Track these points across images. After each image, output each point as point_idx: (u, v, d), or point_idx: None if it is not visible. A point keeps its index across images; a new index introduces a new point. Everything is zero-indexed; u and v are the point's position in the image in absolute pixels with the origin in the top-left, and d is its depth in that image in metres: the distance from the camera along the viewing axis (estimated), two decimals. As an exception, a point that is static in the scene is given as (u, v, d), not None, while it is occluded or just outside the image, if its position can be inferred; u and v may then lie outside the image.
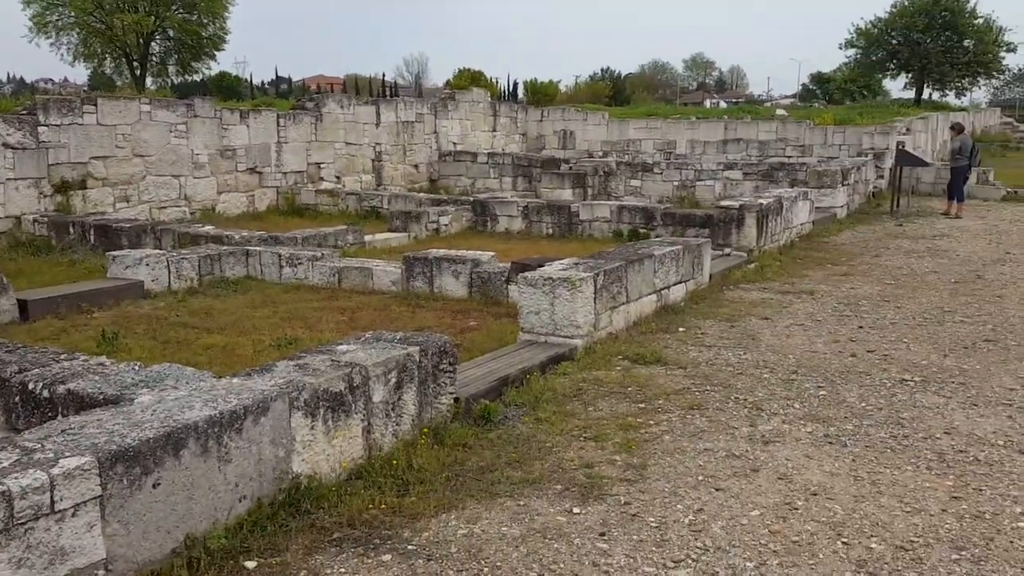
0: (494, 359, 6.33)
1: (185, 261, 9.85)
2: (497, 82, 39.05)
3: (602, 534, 3.90)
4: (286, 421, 3.98)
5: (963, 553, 3.75)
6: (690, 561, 3.66)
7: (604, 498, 4.26)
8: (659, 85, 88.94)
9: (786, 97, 78.33)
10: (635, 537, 3.87)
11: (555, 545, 3.80)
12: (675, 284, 8.54)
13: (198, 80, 44.87)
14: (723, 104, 60.07)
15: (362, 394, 4.42)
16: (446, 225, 14.73)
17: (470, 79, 34.89)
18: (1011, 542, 3.86)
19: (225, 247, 10.67)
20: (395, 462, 4.46)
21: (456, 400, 5.21)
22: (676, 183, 19.57)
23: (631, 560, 3.67)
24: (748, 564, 3.63)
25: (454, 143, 23.71)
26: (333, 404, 4.24)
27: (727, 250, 11.34)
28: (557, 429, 5.17)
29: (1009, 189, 19.37)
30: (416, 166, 22.47)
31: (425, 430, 4.85)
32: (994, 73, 45.82)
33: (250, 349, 7.10)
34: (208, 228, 12.27)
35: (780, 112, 29.67)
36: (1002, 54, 43.31)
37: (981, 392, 6.00)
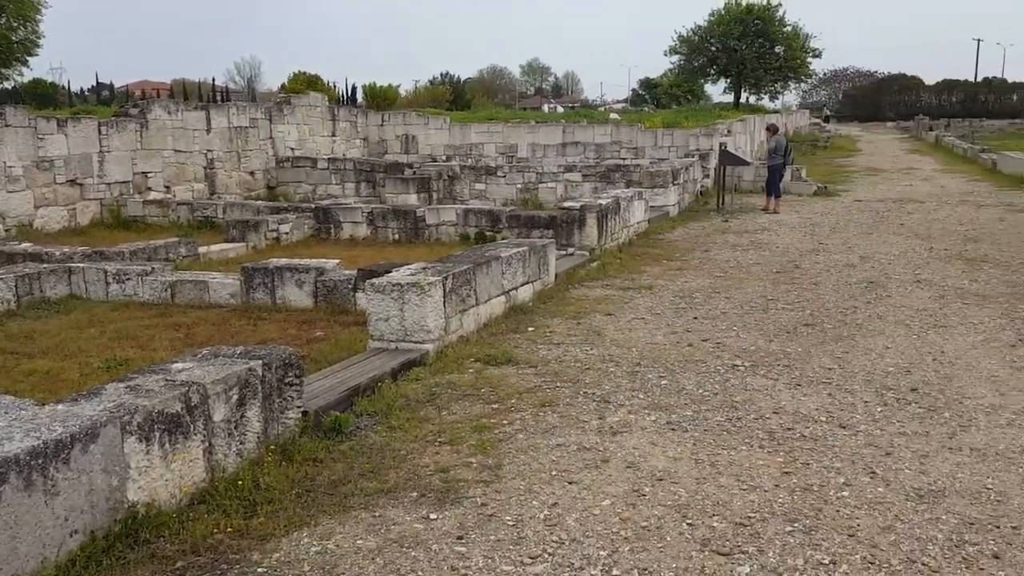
0: (343, 369, 6.19)
1: (0, 282, 9.03)
2: (335, 86, 38.34)
3: (460, 537, 3.89)
4: (118, 447, 3.72)
5: (795, 525, 4.02)
6: (547, 555, 3.72)
7: (461, 501, 4.26)
8: (498, 90, 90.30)
9: (618, 102, 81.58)
10: (492, 537, 3.89)
11: (412, 553, 3.76)
12: (523, 285, 8.67)
13: (9, 88, 41.25)
14: (560, 108, 61.76)
15: (201, 414, 4.20)
16: (287, 233, 14.28)
17: (306, 83, 34.04)
18: (837, 511, 4.17)
19: (45, 265, 9.88)
20: (240, 483, 4.27)
21: (304, 414, 5.05)
22: (519, 186, 19.91)
23: (489, 561, 3.69)
24: (601, 553, 3.74)
25: (292, 149, 23.04)
26: (170, 426, 4.00)
27: (571, 250, 11.64)
28: (411, 436, 5.12)
29: (819, 185, 21.03)
30: (252, 173, 21.66)
31: (272, 447, 4.67)
32: (802, 77, 49.75)
33: (76, 373, 6.60)
34: (25, 245, 11.38)
35: (614, 116, 30.83)
36: (809, 59, 47.15)
37: (803, 373, 6.47)
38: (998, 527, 3.99)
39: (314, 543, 3.86)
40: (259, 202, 17.58)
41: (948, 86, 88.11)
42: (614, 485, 4.45)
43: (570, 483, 4.47)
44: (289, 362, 4.90)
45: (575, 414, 5.55)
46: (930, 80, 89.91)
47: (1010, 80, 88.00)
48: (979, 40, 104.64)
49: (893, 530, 3.96)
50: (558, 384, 6.18)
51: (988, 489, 4.40)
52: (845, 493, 4.37)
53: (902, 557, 3.72)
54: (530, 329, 7.76)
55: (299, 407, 5.00)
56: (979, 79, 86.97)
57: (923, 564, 3.66)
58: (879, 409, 5.64)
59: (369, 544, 3.84)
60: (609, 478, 4.54)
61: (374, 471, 4.60)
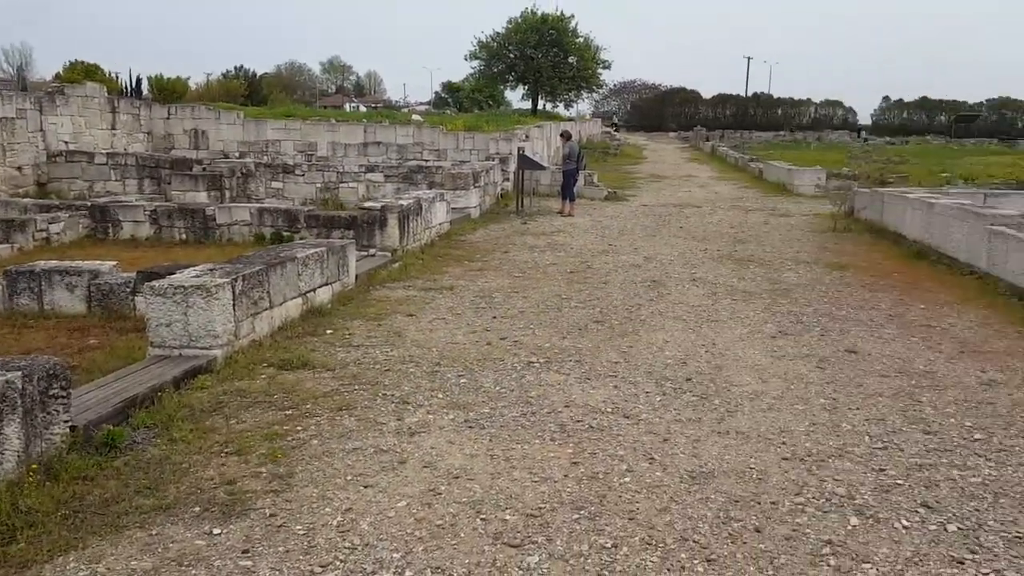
0: (119, 379, 5.74)
1: None
2: (118, 77, 35.61)
3: (245, 551, 3.73)
4: None
5: (582, 512, 4.21)
6: (338, 563, 3.65)
7: (248, 513, 4.08)
8: (297, 86, 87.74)
9: (421, 103, 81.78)
10: (281, 548, 3.76)
11: (193, 572, 3.55)
12: (321, 286, 8.47)
13: None
14: (363, 108, 61.01)
15: (-55, 434, 3.74)
16: (58, 233, 13.06)
17: (84, 73, 31.33)
18: (619, 496, 4.41)
19: None
20: (-4, 507, 3.85)
21: (73, 428, 4.63)
22: (319, 185, 19.44)
23: (277, 573, 3.57)
24: (395, 555, 3.72)
25: (66, 142, 21.08)
26: (-95, 450, 3.53)
27: (372, 250, 11.52)
28: (195, 448, 4.84)
29: (610, 190, 22.18)
30: (20, 168, 19.59)
31: (35, 466, 4.24)
32: (594, 87, 52.31)
33: None
34: None
35: (416, 118, 30.85)
36: (600, 70, 49.63)
37: (593, 367, 6.79)
38: (759, 503, 4.38)
39: (82, 567, 3.55)
40: (27, 200, 15.92)
41: (722, 100, 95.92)
42: (411, 486, 4.44)
43: (366, 487, 4.42)
44: (54, 373, 4.48)
45: (373, 416, 5.49)
46: (707, 94, 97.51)
47: (775, 96, 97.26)
48: (749, 58, 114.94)
49: (668, 511, 4.25)
50: (356, 387, 6.09)
51: (751, 469, 4.83)
52: (627, 479, 4.63)
53: (676, 536, 4.00)
54: (328, 332, 7.59)
55: (66, 421, 4.58)
56: (749, 94, 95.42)
57: (694, 541, 3.95)
58: (658, 399, 6.03)
59: (144, 565, 3.59)
60: (406, 479, 4.53)
61: (152, 487, 4.31)
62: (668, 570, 3.70)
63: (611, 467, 4.78)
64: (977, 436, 5.36)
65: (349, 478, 4.53)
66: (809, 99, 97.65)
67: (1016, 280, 9.60)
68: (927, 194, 14.55)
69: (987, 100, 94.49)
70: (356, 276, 9.61)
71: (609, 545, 3.88)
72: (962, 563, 3.80)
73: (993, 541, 3.99)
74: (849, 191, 17.97)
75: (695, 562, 3.77)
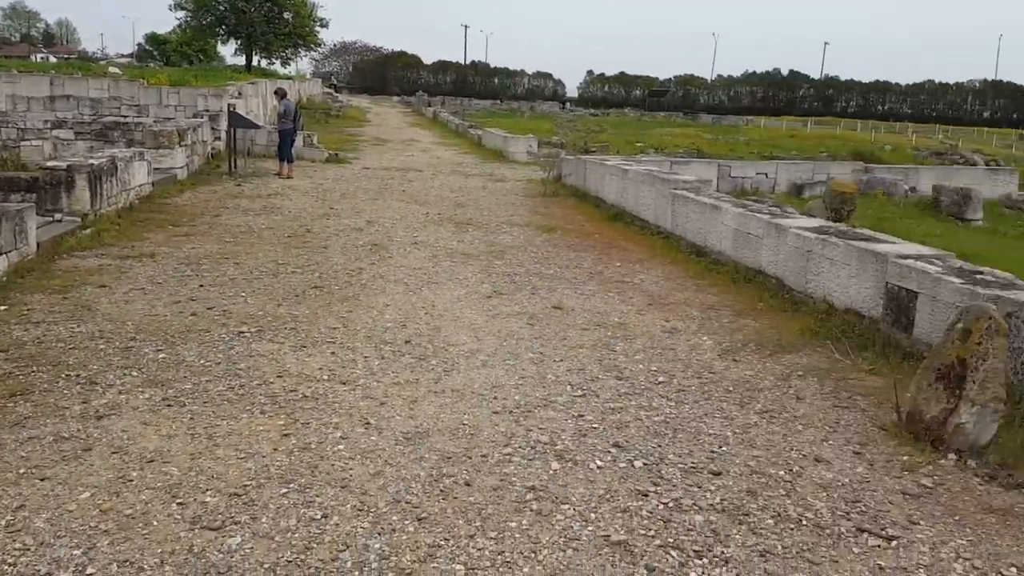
0: None
1: None
2: None
3: None
4: None
5: (291, 485, 4.07)
6: (6, 567, 3.21)
7: None
8: (-34, 29, 75.76)
9: (124, 56, 74.60)
10: (-69, 561, 3.24)
11: None
12: (-10, 257, 7.40)
13: None
14: (53, 59, 54.42)
15: None
16: None
17: None
18: (332, 465, 4.33)
19: None
20: None
21: None
22: (-7, 142, 16.93)
23: (-76, 590, 3.06)
24: (75, 552, 3.35)
25: None
26: None
27: (58, 216, 10.28)
28: None
29: (331, 152, 21.66)
30: None
31: None
32: (312, 45, 50.66)
33: None
34: None
35: (113, 70, 27.95)
36: (318, 28, 48.12)
37: (309, 334, 6.59)
38: (471, 458, 4.52)
39: None
40: None
41: (443, 67, 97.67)
42: (96, 475, 4.02)
43: (42, 480, 3.93)
44: None
45: (54, 400, 4.91)
46: (428, 59, 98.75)
47: (493, 65, 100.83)
48: (466, 26, 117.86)
49: (382, 475, 4.24)
50: (34, 369, 5.41)
51: (464, 425, 4.96)
52: (341, 447, 4.55)
53: (388, 499, 4.00)
54: (2, 308, 6.70)
55: None
56: (468, 62, 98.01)
57: (407, 502, 3.98)
58: (377, 363, 6.00)
59: None
60: (91, 468, 4.09)
61: None
62: (379, 534, 3.69)
63: (325, 436, 4.67)
64: (660, 379, 5.95)
65: (22, 471, 4.00)
66: (523, 70, 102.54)
67: (694, 239, 10.80)
68: (623, 161, 15.87)
69: (675, 76, 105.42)
70: (38, 244, 8.55)
71: (319, 516, 3.79)
72: (646, 495, 4.19)
73: (672, 473, 4.46)
74: (557, 158, 19.10)
75: (406, 522, 3.80)
